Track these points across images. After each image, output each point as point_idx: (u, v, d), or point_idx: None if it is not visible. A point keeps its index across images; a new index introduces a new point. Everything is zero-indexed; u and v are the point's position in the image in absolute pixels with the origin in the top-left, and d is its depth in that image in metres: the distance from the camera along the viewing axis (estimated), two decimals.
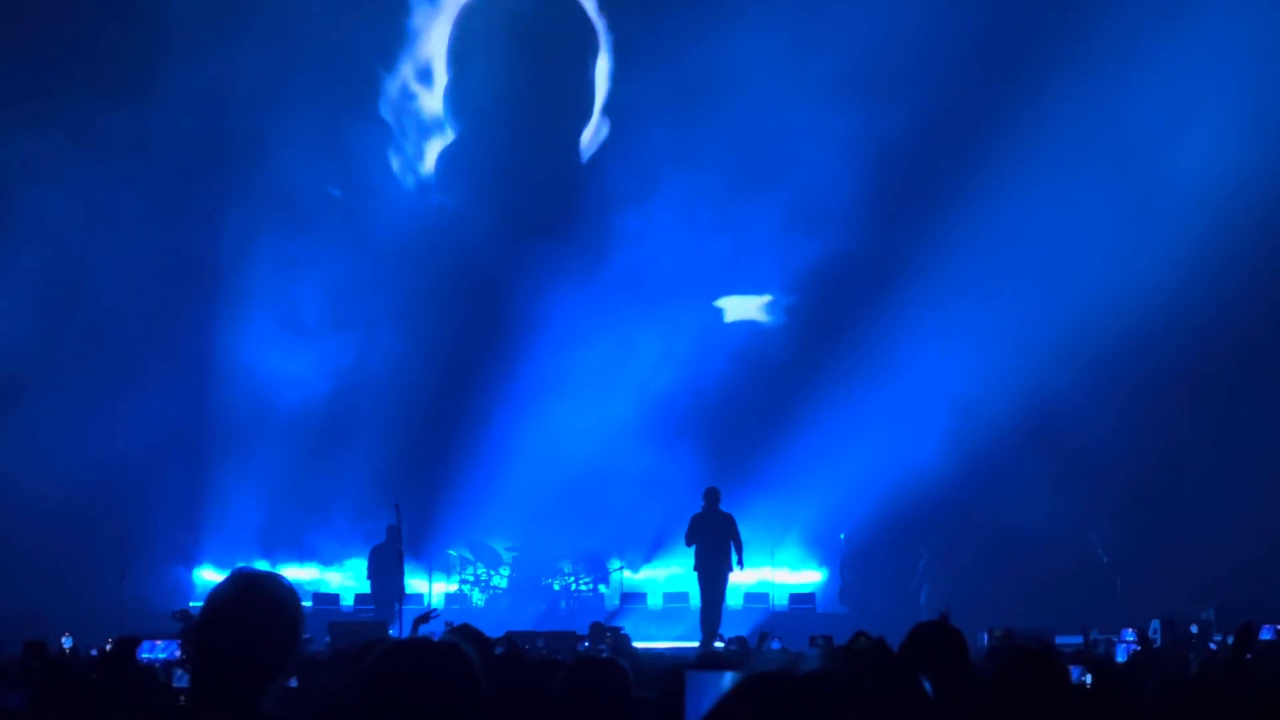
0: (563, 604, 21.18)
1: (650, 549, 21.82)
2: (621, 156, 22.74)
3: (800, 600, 20.82)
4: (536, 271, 22.17)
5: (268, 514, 21.46)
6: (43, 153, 20.01)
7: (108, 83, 20.63)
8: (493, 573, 21.83)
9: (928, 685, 2.02)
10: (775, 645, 13.03)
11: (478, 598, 21.61)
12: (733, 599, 18.60)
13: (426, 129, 23.80)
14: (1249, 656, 8.37)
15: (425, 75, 23.73)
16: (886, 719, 1.85)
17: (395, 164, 23.60)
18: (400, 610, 15.88)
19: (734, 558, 16.99)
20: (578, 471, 20.72)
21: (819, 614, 20.00)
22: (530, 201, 22.94)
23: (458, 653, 2.94)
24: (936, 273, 21.03)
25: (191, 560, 21.59)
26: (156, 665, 9.81)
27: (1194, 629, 14.12)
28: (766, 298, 23.70)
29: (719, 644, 14.76)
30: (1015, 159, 20.04)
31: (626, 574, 21.89)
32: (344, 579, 21.77)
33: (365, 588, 19.61)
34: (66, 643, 13.00)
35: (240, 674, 3.00)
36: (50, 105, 20.59)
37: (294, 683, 6.89)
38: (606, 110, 23.77)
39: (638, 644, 14.03)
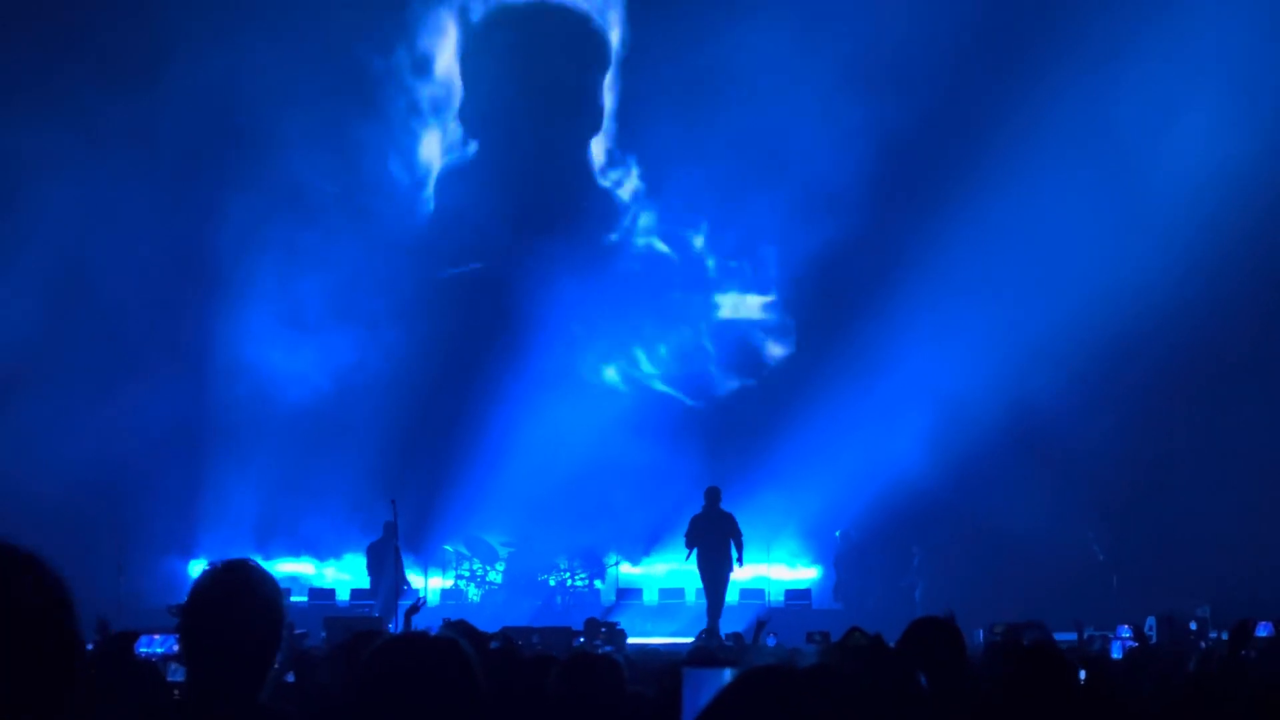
0: (558, 600, 21.18)
1: (646, 545, 21.85)
2: (622, 157, 22.72)
3: (796, 596, 20.87)
4: (537, 268, 22.16)
5: (265, 509, 21.47)
6: (46, 146, 19.95)
7: (112, 77, 20.60)
8: (488, 568, 21.81)
9: (924, 681, 2.03)
10: (771, 641, 13.02)
11: (473, 593, 21.59)
12: (729, 595, 18.61)
13: (431, 126, 23.76)
14: (1245, 653, 8.37)
15: (431, 73, 23.67)
16: (884, 715, 1.86)
17: (399, 161, 23.57)
18: (400, 606, 15.89)
19: (734, 556, 17.06)
20: (574, 468, 20.72)
21: (814, 610, 20.05)
22: (532, 199, 22.93)
23: (455, 648, 2.93)
24: (932, 272, 21.06)
25: (189, 555, 21.57)
26: (155, 659, 9.79)
27: (1192, 625, 14.11)
28: (767, 297, 23.70)
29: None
30: (1008, 161, 20.09)
31: (625, 568, 21.90)
32: (337, 574, 21.79)
33: (361, 583, 19.63)
34: None
35: (233, 666, 3.01)
36: (53, 99, 20.57)
37: (291, 678, 6.89)
38: (614, 113, 23.78)
39: (633, 640, 14.03)
